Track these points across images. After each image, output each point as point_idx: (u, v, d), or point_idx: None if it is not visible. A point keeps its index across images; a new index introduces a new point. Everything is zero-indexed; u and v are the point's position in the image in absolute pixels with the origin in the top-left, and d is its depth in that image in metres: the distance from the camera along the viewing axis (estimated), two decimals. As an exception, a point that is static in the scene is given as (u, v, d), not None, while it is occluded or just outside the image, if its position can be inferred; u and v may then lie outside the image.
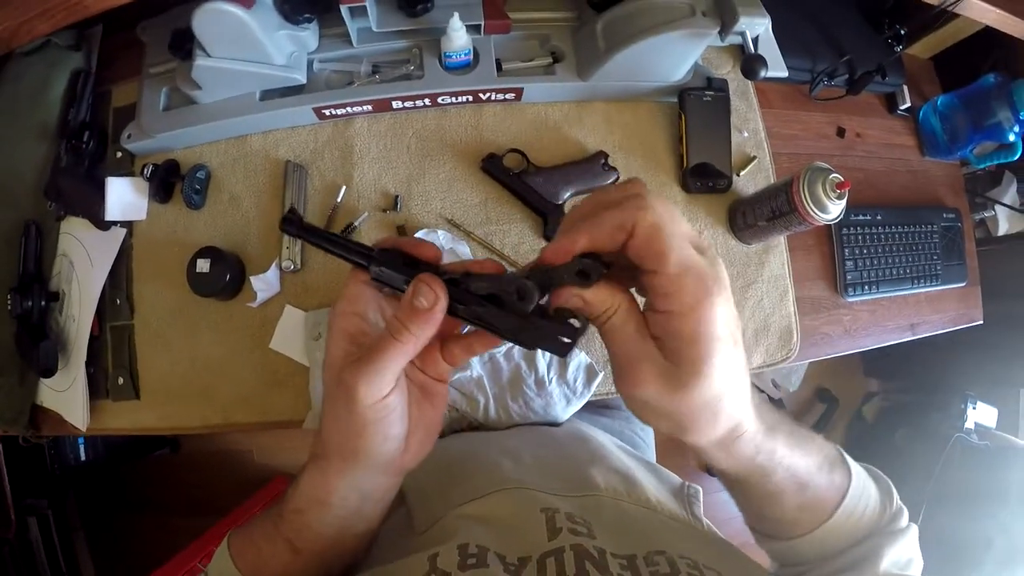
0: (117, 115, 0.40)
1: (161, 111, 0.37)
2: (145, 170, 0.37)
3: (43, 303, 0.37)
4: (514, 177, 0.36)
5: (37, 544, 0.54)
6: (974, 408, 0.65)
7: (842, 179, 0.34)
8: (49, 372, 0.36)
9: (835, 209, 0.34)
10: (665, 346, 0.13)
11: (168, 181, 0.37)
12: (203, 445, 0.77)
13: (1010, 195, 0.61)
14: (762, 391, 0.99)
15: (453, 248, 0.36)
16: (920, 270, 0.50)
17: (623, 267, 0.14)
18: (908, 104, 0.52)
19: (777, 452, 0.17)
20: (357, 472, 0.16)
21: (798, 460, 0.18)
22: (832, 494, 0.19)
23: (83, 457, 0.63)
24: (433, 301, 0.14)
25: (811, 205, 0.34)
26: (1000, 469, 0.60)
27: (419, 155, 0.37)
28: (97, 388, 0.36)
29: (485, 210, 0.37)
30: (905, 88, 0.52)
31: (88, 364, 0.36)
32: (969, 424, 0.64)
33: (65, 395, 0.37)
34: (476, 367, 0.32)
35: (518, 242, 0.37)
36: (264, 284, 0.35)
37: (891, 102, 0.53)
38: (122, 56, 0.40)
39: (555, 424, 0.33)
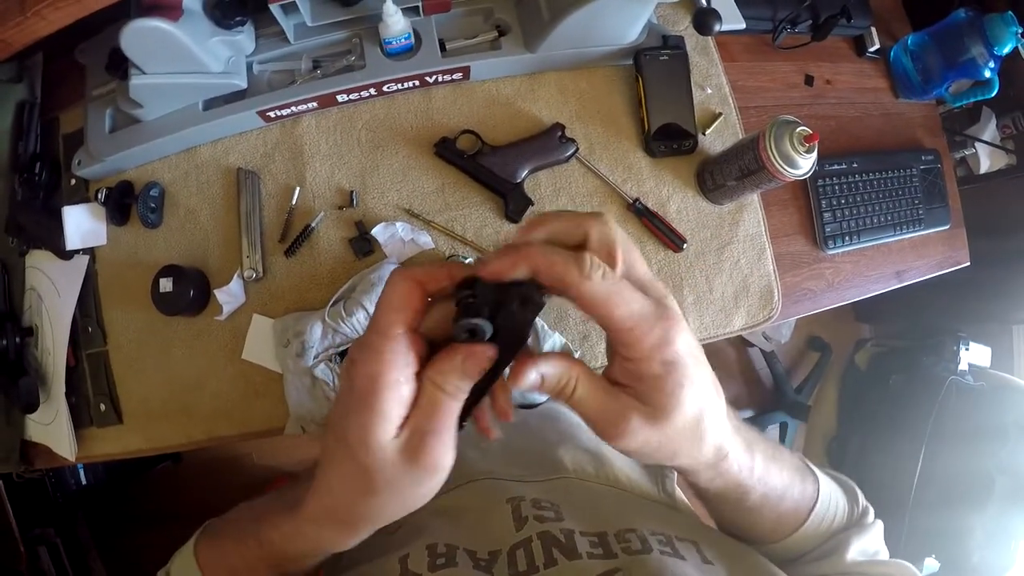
0: (67, 142, 0.39)
1: (107, 133, 0.36)
2: (99, 195, 0.36)
3: (17, 340, 0.37)
4: (469, 159, 0.35)
5: (49, 572, 0.56)
6: (967, 349, 0.65)
7: (810, 131, 0.33)
8: (32, 407, 0.36)
9: (805, 163, 0.33)
10: (636, 390, 0.13)
11: (123, 203, 0.37)
12: (203, 453, 0.78)
13: (989, 131, 0.60)
14: (752, 345, 0.99)
15: (414, 239, 0.35)
16: (902, 216, 0.49)
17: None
18: (877, 46, 0.51)
19: (756, 469, 0.17)
20: (390, 521, 0.15)
21: (774, 475, 0.18)
22: (804, 504, 0.19)
23: (84, 481, 0.63)
24: (485, 368, 0.13)
25: (780, 161, 0.33)
26: (997, 408, 0.60)
27: (370, 147, 0.36)
28: (81, 417, 0.36)
29: (443, 196, 0.36)
30: (873, 29, 0.51)
31: (69, 394, 0.36)
32: (963, 366, 0.64)
33: (51, 428, 0.37)
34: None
35: (480, 226, 0.36)
36: (229, 296, 0.34)
37: (859, 45, 0.52)
38: (66, 81, 0.39)
39: (532, 405, 0.32)
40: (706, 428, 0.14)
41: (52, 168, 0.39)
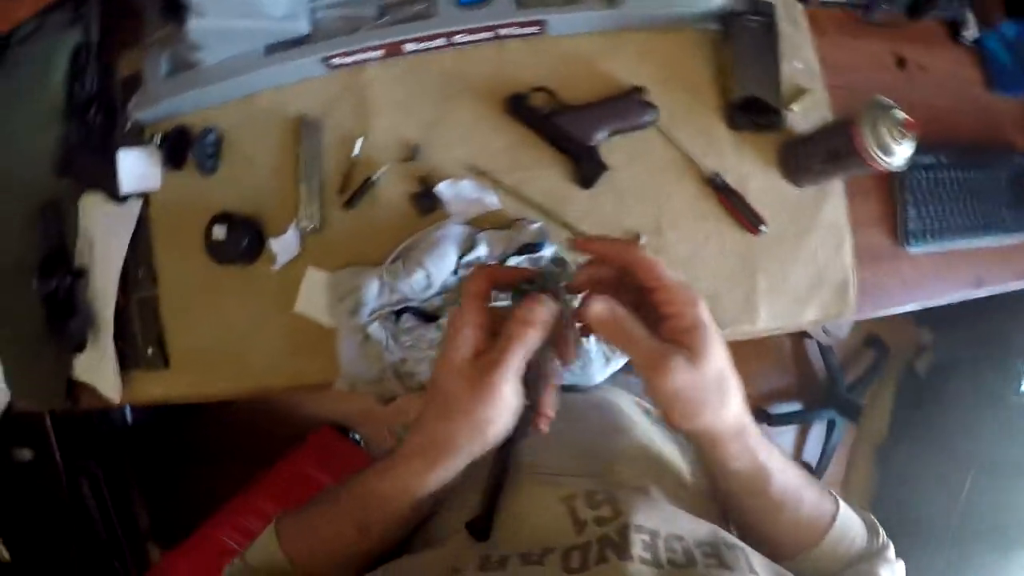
0: (124, 85, 0.39)
1: (165, 77, 0.35)
2: (155, 139, 0.36)
3: (68, 281, 0.37)
4: (542, 118, 0.33)
5: (90, 503, 0.57)
6: None
7: (909, 118, 0.30)
8: (80, 348, 0.36)
9: (902, 153, 0.30)
10: (676, 342, 0.17)
11: (179, 148, 0.36)
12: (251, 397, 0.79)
13: None
14: (810, 337, 0.94)
15: (480, 198, 0.33)
16: (988, 219, 0.44)
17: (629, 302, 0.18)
18: (974, 32, 0.46)
19: (774, 457, 0.19)
20: (463, 461, 0.18)
21: (791, 473, 0.20)
22: (823, 514, 0.20)
23: (130, 420, 0.64)
24: (541, 313, 0.17)
25: (875, 148, 0.30)
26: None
27: (438, 99, 0.35)
28: (127, 359, 0.36)
29: (512, 155, 0.34)
30: (970, 14, 0.46)
31: (117, 337, 0.36)
32: None
33: (97, 368, 0.37)
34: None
35: (549, 188, 0.34)
36: (284, 246, 0.33)
37: (953, 29, 0.47)
38: (124, 24, 0.38)
39: (590, 385, 0.31)
40: (730, 387, 0.18)
41: (108, 111, 0.38)
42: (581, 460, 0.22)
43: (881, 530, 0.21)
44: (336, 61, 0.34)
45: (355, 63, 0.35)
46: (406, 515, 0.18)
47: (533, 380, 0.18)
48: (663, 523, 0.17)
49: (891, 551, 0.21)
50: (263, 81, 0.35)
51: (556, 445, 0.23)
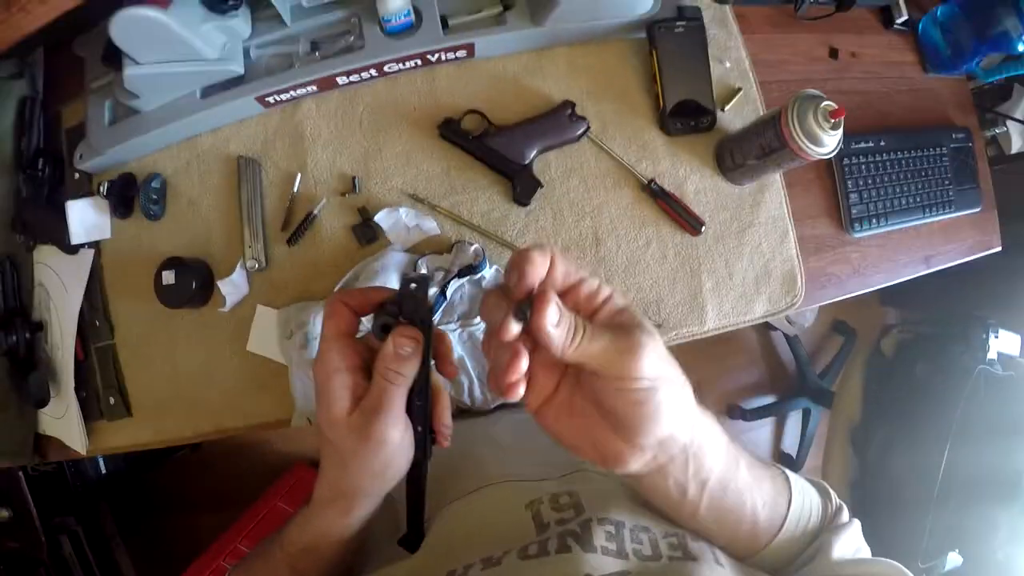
0: (69, 136, 0.39)
1: (107, 125, 0.36)
2: (101, 188, 0.36)
3: (28, 335, 0.37)
4: (474, 140, 0.34)
5: (72, 560, 0.56)
6: (996, 337, 0.61)
7: (835, 106, 0.31)
8: (43, 402, 0.36)
9: (831, 141, 0.31)
10: (619, 325, 0.16)
11: (125, 195, 0.36)
12: (222, 440, 0.79)
13: (1022, 109, 0.56)
14: (776, 329, 0.95)
15: (419, 224, 0.34)
16: (931, 197, 0.46)
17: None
18: (905, 17, 0.47)
19: (736, 449, 0.18)
20: (375, 500, 0.18)
21: (744, 460, 0.18)
22: (776, 514, 0.19)
23: (104, 470, 0.64)
24: (414, 347, 0.17)
25: (803, 139, 0.31)
26: (1027, 399, 0.56)
27: (373, 130, 0.35)
28: (91, 410, 0.36)
29: (449, 180, 0.35)
30: (900, 0, 0.47)
31: (79, 388, 0.36)
32: (992, 355, 0.61)
33: (62, 421, 0.37)
34: (456, 348, 0.31)
35: (488, 209, 0.35)
36: (232, 287, 0.34)
37: (886, 16, 0.48)
38: (68, 75, 0.38)
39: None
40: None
41: (55, 163, 0.38)
42: (550, 466, 0.22)
43: (833, 494, 0.21)
44: (271, 99, 0.35)
45: (290, 99, 0.35)
46: (335, 558, 0.19)
47: (420, 406, 0.17)
48: (629, 516, 0.17)
49: (844, 514, 0.20)
50: (202, 124, 0.36)
51: (525, 454, 0.24)
